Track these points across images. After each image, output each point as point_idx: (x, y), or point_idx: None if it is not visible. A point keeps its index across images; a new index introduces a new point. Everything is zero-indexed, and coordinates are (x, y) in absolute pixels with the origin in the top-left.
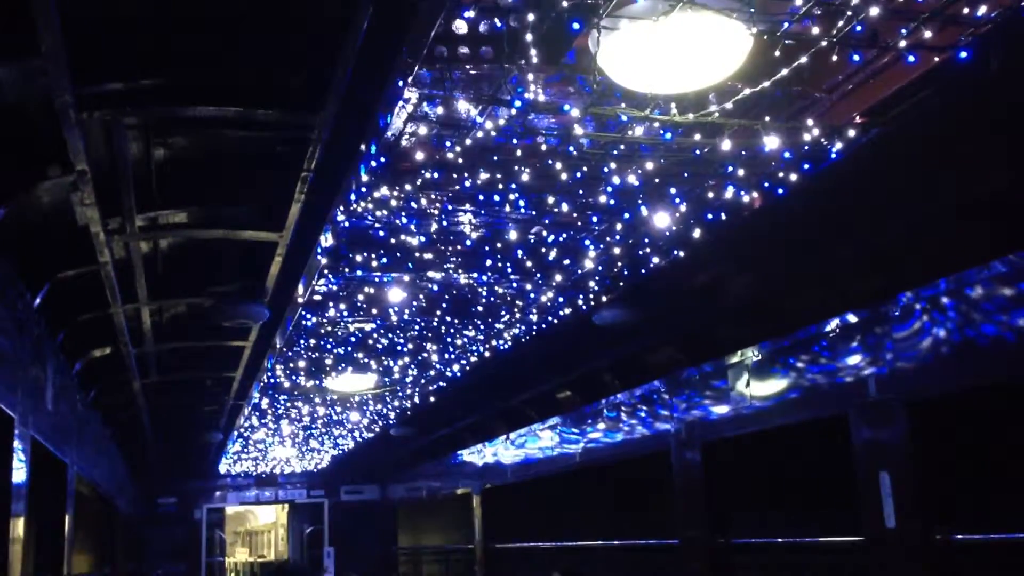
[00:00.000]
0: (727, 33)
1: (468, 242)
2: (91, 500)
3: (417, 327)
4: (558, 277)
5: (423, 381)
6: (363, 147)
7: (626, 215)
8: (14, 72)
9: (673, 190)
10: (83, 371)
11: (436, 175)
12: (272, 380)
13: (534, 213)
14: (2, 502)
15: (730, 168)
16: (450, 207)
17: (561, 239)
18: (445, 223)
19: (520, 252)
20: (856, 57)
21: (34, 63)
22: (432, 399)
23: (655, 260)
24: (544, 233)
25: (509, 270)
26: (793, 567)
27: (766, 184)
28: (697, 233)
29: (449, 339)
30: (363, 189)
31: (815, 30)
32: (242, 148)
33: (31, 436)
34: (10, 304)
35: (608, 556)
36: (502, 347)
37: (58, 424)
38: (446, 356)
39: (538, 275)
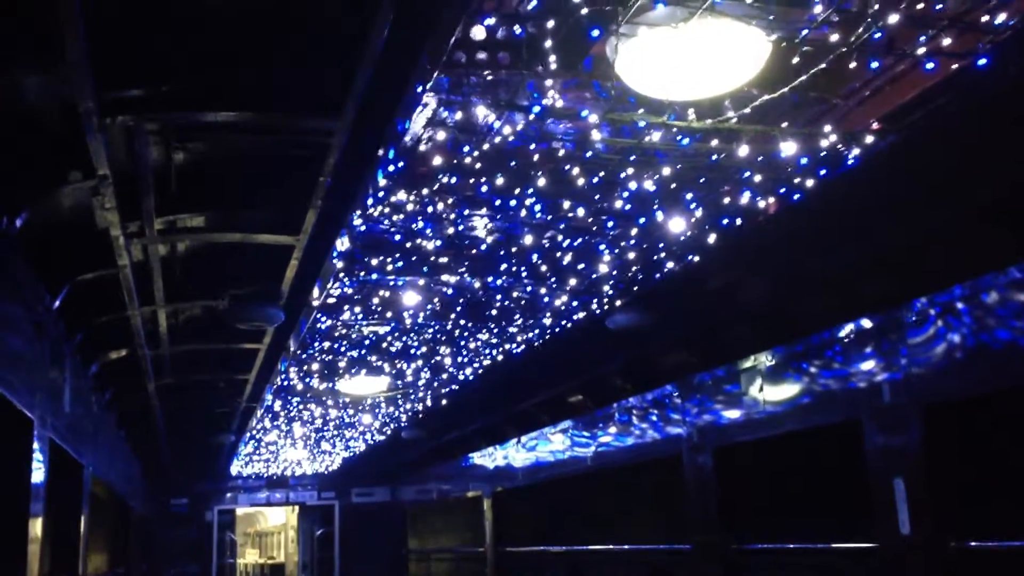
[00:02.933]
0: (745, 40)
1: (483, 246)
2: (106, 501)
3: (431, 330)
4: (572, 281)
5: (435, 384)
6: (381, 152)
7: (641, 220)
8: (38, 79)
9: (689, 195)
10: (99, 373)
11: (453, 179)
12: (285, 382)
13: (549, 217)
14: (21, 502)
15: (746, 174)
16: (466, 211)
17: (576, 243)
18: (460, 227)
19: (535, 256)
20: (874, 64)
21: (58, 70)
22: (444, 402)
23: (669, 265)
24: (559, 237)
25: (524, 274)
26: (806, 573)
27: (782, 190)
28: (712, 238)
29: (462, 342)
30: (380, 193)
31: (833, 37)
32: (260, 152)
33: (49, 437)
34: (30, 306)
35: (620, 560)
36: (515, 351)
37: (75, 425)
38: (459, 359)
39: (552, 279)
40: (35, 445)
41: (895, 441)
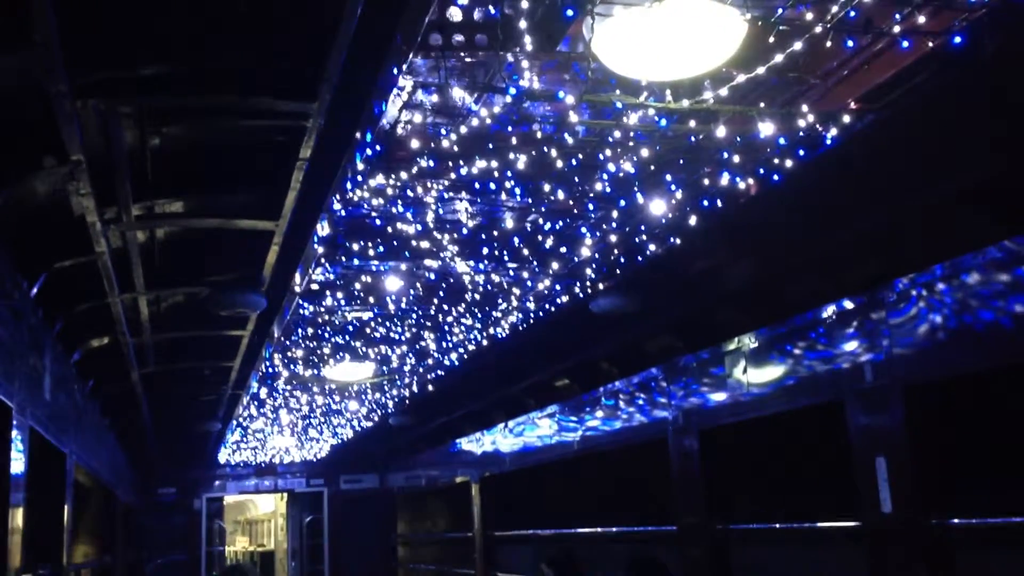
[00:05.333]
0: (721, 19)
1: (464, 230)
2: (91, 490)
3: (414, 316)
4: (555, 265)
5: (421, 370)
6: (358, 135)
7: (622, 202)
8: (7, 61)
9: (669, 177)
10: (81, 361)
11: (432, 163)
12: (270, 369)
13: (530, 201)
14: (1, 492)
15: (725, 155)
16: (446, 195)
17: (557, 227)
18: (441, 211)
19: (517, 240)
20: (850, 43)
21: (28, 51)
22: (430, 388)
23: (652, 247)
24: (540, 221)
25: (506, 258)
26: (791, 552)
27: (761, 170)
28: (693, 220)
29: (447, 327)
30: (359, 177)
31: (809, 16)
32: (238, 136)
33: (29, 426)
34: (7, 294)
35: (607, 543)
36: (500, 335)
37: (57, 414)
38: (444, 344)
39: (535, 263)
40: (14, 433)
41: (877, 421)
